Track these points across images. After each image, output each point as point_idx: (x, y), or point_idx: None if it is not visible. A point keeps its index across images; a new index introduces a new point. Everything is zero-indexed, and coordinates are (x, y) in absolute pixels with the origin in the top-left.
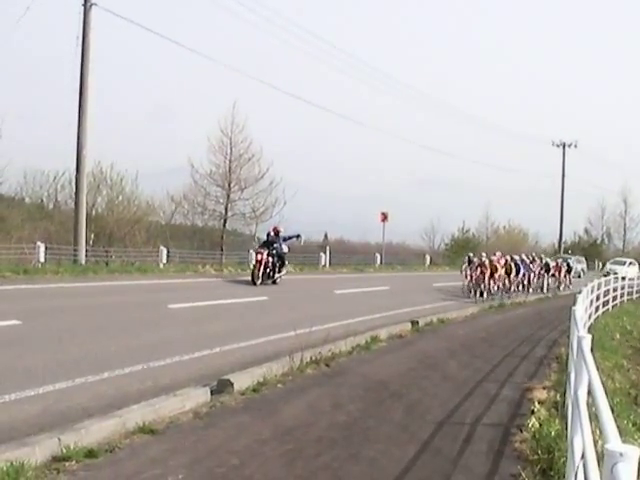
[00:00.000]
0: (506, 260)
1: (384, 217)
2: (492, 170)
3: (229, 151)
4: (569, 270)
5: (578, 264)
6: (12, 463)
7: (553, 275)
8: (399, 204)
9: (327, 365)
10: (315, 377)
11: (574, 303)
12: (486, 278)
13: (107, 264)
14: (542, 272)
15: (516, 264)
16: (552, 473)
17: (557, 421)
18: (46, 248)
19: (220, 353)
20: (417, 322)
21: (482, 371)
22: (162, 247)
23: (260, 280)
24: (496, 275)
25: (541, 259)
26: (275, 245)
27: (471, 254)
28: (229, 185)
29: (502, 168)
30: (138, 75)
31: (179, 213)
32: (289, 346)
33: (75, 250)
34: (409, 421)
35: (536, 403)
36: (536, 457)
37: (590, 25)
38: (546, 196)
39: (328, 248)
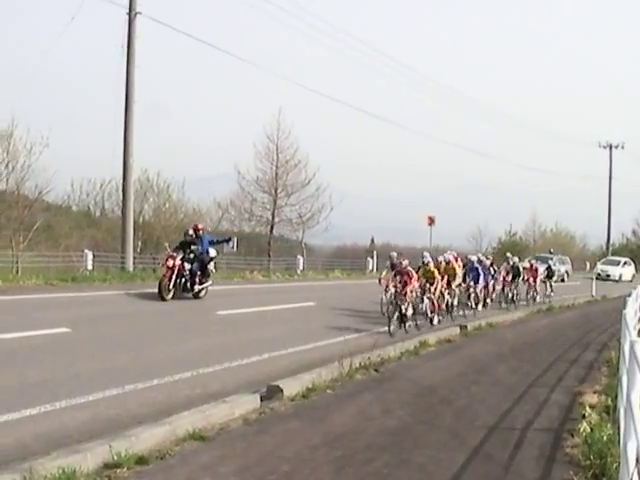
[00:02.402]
0: (447, 262)
1: (431, 221)
2: (538, 173)
3: (275, 157)
4: (550, 275)
5: (562, 265)
6: (64, 470)
7: (527, 281)
8: (446, 208)
9: (376, 370)
10: (364, 383)
11: (624, 306)
12: (408, 293)
13: (154, 271)
14: (508, 278)
15: (473, 268)
16: (605, 479)
17: (609, 426)
18: (94, 256)
19: (269, 359)
20: (465, 326)
21: (531, 375)
22: None
23: (171, 294)
24: (432, 288)
25: (507, 261)
26: (194, 248)
27: (394, 253)
28: (276, 191)
29: (548, 170)
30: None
31: (226, 219)
32: (338, 352)
33: (122, 257)
34: (459, 427)
35: (587, 407)
36: (588, 462)
37: None
38: (593, 198)
39: (375, 253)
